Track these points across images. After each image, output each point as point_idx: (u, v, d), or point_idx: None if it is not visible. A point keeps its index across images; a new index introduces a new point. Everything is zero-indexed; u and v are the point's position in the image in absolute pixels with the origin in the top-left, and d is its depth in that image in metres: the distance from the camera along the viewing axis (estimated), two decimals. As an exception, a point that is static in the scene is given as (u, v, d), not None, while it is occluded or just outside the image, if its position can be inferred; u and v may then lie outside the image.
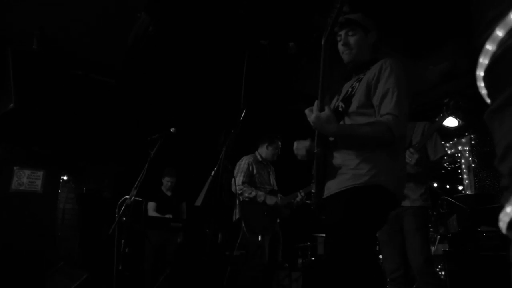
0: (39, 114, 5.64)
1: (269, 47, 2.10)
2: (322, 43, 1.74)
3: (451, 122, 5.25)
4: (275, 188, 4.28)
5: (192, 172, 5.11)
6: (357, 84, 1.92)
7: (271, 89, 5.34)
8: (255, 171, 4.11)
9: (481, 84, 0.75)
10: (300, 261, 5.87)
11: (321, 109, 1.74)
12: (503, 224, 0.64)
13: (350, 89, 1.96)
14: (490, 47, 0.67)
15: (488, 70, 0.69)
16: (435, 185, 5.80)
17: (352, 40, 1.97)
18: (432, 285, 2.69)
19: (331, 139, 1.89)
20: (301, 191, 4.16)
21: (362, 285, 1.65)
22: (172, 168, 5.30)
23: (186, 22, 4.04)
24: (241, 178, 3.98)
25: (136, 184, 3.49)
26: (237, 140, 1.91)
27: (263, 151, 4.30)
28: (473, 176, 5.55)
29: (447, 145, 5.92)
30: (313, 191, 1.92)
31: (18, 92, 3.43)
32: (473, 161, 5.59)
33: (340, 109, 1.92)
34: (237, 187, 3.91)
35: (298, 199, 4.11)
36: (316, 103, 1.78)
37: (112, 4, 3.96)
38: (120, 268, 3.34)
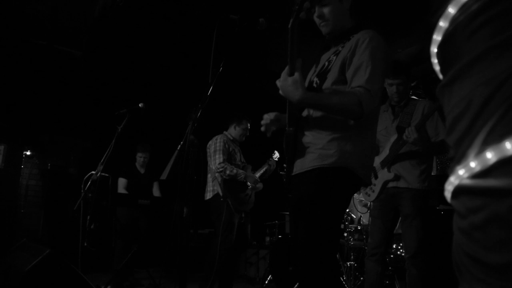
0: (-1, 86, 5.40)
1: (239, 22, 2.07)
2: (289, 26, 1.65)
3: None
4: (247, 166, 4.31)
5: (161, 147, 5.06)
6: (334, 57, 1.85)
7: (239, 66, 5.30)
8: (231, 149, 4.10)
9: (434, 61, 0.77)
10: (267, 239, 5.98)
11: (291, 74, 1.66)
12: (448, 193, 0.68)
13: (326, 63, 1.89)
14: (443, 24, 0.69)
15: (440, 46, 0.72)
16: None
17: (326, 10, 1.86)
18: (420, 269, 2.73)
19: (304, 114, 1.85)
20: (268, 160, 4.34)
21: (316, 273, 1.65)
22: (145, 143, 5.18)
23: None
24: (221, 156, 3.94)
25: (102, 160, 3.43)
26: (204, 115, 1.89)
27: (232, 131, 4.28)
28: (435, 158, 5.75)
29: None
30: (285, 165, 1.91)
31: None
32: (436, 144, 5.80)
33: (314, 84, 1.87)
34: (218, 165, 3.87)
35: (270, 167, 4.25)
36: (286, 68, 1.69)
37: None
38: (85, 244, 3.31)
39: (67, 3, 4.30)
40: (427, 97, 5.27)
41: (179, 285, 1.87)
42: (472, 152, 0.59)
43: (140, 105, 3.73)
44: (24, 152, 5.78)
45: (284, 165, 1.93)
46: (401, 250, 4.84)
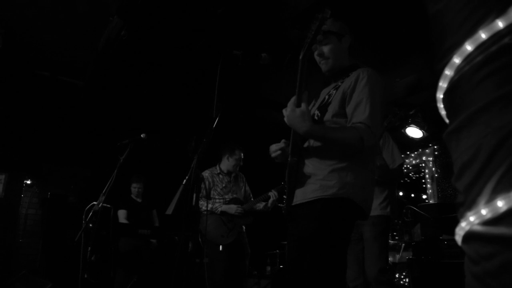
0: (1, 115, 5.44)
1: (242, 57, 2.12)
2: (300, 57, 1.72)
3: (415, 133, 5.45)
4: (239, 197, 4.32)
5: (163, 178, 5.07)
6: (334, 92, 1.91)
7: (241, 96, 5.36)
8: (211, 185, 4.19)
9: (440, 106, 0.80)
10: (268, 268, 5.90)
11: (298, 105, 1.71)
12: (458, 238, 0.69)
13: (327, 97, 1.95)
14: (448, 72, 0.72)
15: (446, 93, 0.75)
16: (401, 194, 5.98)
17: (326, 49, 1.95)
18: None
19: (306, 144, 1.88)
20: (273, 190, 4.28)
21: None
22: (139, 174, 5.24)
23: (160, 28, 4.02)
24: (197, 194, 4.01)
25: (104, 190, 3.42)
26: (209, 149, 1.91)
27: (224, 163, 4.33)
28: (436, 186, 5.76)
29: (412, 155, 6.13)
30: (285, 197, 1.92)
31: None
32: (436, 171, 5.81)
33: (316, 117, 1.91)
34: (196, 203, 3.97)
35: (270, 200, 4.21)
36: (293, 98, 1.75)
37: (84, 5, 3.89)
38: (85, 276, 3.26)
39: (71, 35, 4.39)
40: (425, 126, 5.33)
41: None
42: (482, 200, 0.61)
43: (142, 135, 3.75)
44: (24, 181, 5.77)
45: (284, 196, 1.93)
46: (404, 280, 4.78)
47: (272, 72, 4.66)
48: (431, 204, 5.40)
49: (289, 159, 1.87)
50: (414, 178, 6.42)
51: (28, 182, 5.97)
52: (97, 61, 4.76)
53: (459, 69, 0.70)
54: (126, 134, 3.86)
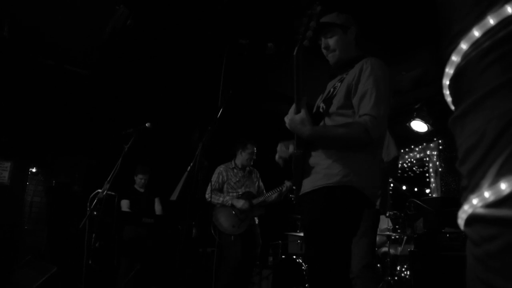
0: (7, 104, 5.47)
1: (248, 46, 2.12)
2: (294, 53, 1.73)
3: (420, 127, 5.44)
4: (251, 190, 4.54)
5: (167, 167, 5.09)
6: (339, 84, 1.92)
7: (247, 88, 5.36)
8: (225, 179, 4.45)
9: (446, 92, 0.81)
10: (271, 259, 5.94)
11: (297, 112, 1.75)
12: (461, 221, 0.70)
13: (332, 89, 1.96)
14: (455, 58, 0.73)
15: (453, 80, 0.75)
16: (404, 187, 5.98)
17: (331, 42, 1.97)
18: None
19: None
20: (286, 181, 4.46)
21: None
22: (145, 165, 5.25)
23: (166, 17, 4.01)
24: (209, 187, 4.35)
25: (109, 178, 3.45)
26: (214, 138, 1.92)
27: (238, 158, 4.57)
28: (439, 180, 5.75)
29: (416, 149, 6.12)
30: (294, 187, 1.97)
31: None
32: (440, 166, 5.80)
33: (321, 110, 1.92)
34: (206, 196, 4.23)
35: (284, 189, 4.41)
36: (293, 106, 1.78)
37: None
38: (90, 262, 3.30)
39: (76, 23, 4.40)
40: (431, 120, 5.31)
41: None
42: (485, 183, 0.62)
43: (147, 124, 3.77)
44: (29, 169, 5.81)
45: (294, 187, 1.97)
46: (405, 272, 4.80)
47: (279, 63, 4.65)
48: (435, 197, 5.40)
49: (295, 151, 1.89)
50: (417, 172, 6.42)
51: (34, 170, 6.01)
52: (102, 50, 4.77)
53: (466, 55, 0.70)
54: (131, 123, 3.88)
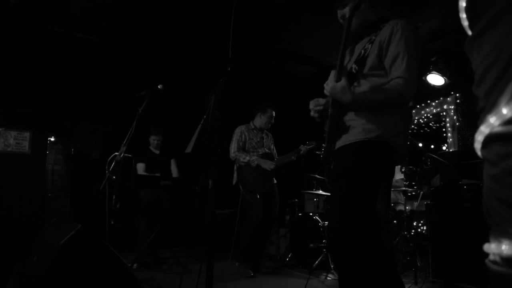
0: (21, 74, 5.52)
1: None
2: (347, 16, 1.83)
3: (437, 80, 5.30)
4: (270, 151, 4.73)
5: (181, 129, 5.12)
6: (370, 45, 1.98)
7: (260, 45, 5.27)
8: (247, 138, 4.57)
9: (463, 16, 0.77)
10: (288, 217, 6.04)
11: (338, 79, 1.82)
12: (478, 144, 0.69)
13: (363, 51, 2.01)
14: (472, -26, 0.69)
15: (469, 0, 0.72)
16: (420, 144, 5.91)
17: (347, 10, 2.00)
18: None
19: None
20: (302, 145, 4.63)
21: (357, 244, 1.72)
22: (158, 126, 5.29)
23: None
24: (235, 146, 4.50)
25: (125, 141, 3.50)
26: (226, 89, 1.92)
27: (257, 120, 4.68)
28: (457, 134, 5.66)
29: (433, 104, 6.00)
30: (323, 144, 2.04)
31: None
32: (458, 120, 5.69)
33: (353, 70, 1.98)
34: (232, 155, 4.44)
35: (301, 152, 4.57)
36: (332, 73, 1.86)
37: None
38: (112, 223, 3.41)
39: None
40: (448, 72, 5.17)
41: (207, 263, 1.92)
42: (503, 100, 0.60)
43: (159, 86, 3.77)
44: (48, 138, 5.93)
45: (323, 144, 2.03)
46: (421, 228, 4.84)
47: (290, 20, 4.53)
48: (452, 151, 5.33)
49: (329, 110, 1.96)
50: (434, 128, 6.31)
51: (52, 139, 6.13)
52: (110, 13, 4.71)
53: (484, -30, 0.66)
54: (144, 87, 3.88)
